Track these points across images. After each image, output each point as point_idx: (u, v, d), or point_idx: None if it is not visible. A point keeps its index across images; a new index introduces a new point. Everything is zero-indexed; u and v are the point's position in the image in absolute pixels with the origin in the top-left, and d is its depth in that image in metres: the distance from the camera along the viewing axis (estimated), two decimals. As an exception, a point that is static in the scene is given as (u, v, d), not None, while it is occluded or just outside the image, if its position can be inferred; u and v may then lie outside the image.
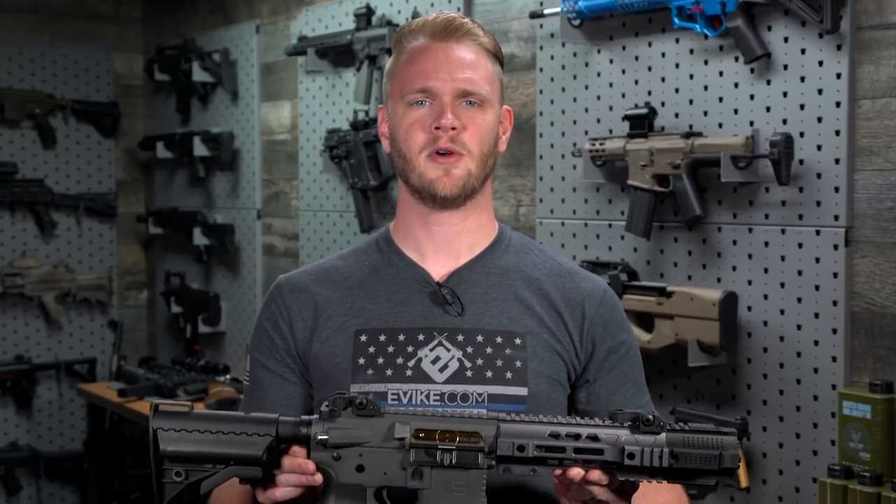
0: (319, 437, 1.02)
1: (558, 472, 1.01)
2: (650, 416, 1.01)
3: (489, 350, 1.16)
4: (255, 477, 1.02)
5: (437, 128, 1.14)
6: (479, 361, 1.15)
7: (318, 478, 1.02)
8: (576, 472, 1.00)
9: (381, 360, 1.16)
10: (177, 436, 1.01)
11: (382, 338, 1.16)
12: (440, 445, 1.01)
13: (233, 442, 1.01)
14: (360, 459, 1.02)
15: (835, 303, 1.81)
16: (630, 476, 1.01)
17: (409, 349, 1.15)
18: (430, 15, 1.21)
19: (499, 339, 1.17)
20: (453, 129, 1.14)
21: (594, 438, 1.01)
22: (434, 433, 1.02)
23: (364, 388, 1.16)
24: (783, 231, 1.89)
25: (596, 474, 1.00)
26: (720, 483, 1.02)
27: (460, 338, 1.16)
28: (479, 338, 1.16)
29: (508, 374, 1.16)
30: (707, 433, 1.01)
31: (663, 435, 1.00)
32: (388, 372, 1.16)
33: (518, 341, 1.17)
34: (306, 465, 1.01)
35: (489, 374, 1.16)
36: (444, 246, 1.20)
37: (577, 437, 1.01)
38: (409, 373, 1.15)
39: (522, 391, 1.16)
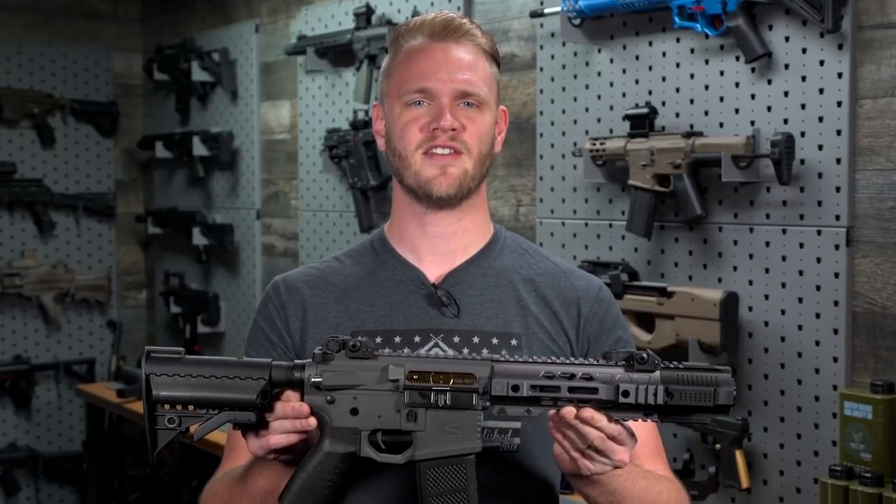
0: (313, 380, 1.02)
1: (552, 413, 1.01)
2: (644, 355, 1.01)
3: (485, 351, 1.16)
4: (248, 422, 1.01)
5: (435, 128, 1.14)
6: None
7: (312, 421, 1.01)
8: (568, 411, 0.99)
9: None
10: (169, 381, 1.01)
11: (378, 340, 1.16)
12: (434, 387, 1.01)
13: (226, 386, 1.00)
14: (355, 402, 1.02)
15: (836, 303, 1.81)
16: (625, 414, 1.01)
17: (406, 351, 1.15)
18: (428, 15, 1.20)
19: (495, 341, 1.16)
20: (452, 129, 1.14)
21: (589, 378, 1.00)
22: (428, 375, 1.01)
23: None
24: (784, 231, 1.89)
25: (588, 412, 0.99)
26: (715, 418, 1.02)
27: (456, 339, 1.16)
28: (476, 339, 1.16)
29: None
30: (702, 370, 1.01)
31: (658, 372, 1.00)
32: None
33: (514, 342, 1.17)
34: (300, 407, 1.01)
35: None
36: (439, 247, 1.19)
37: (571, 376, 1.00)
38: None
39: None
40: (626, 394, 1.00)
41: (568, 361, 1.02)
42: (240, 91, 3.46)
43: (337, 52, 2.92)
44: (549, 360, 1.02)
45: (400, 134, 1.16)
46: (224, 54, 3.48)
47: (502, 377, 1.01)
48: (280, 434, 1.01)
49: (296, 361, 1.04)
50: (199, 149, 3.51)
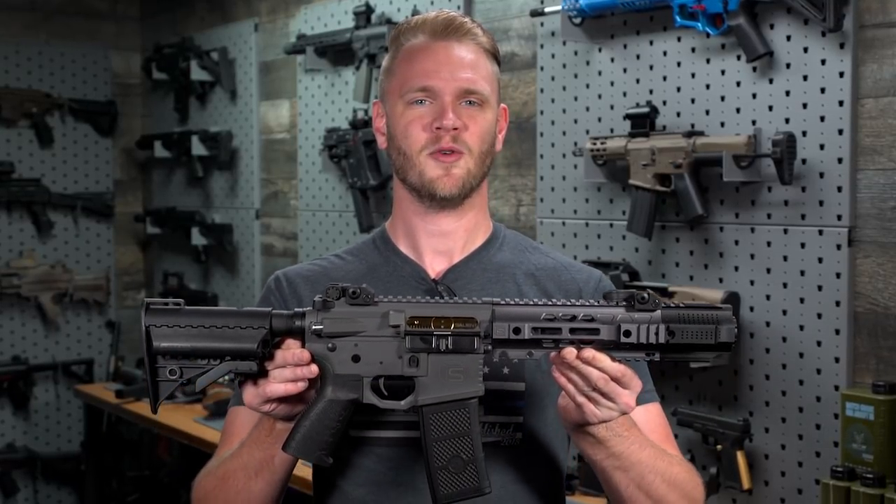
0: (314, 327, 1.01)
1: (554, 354, 1.00)
2: (645, 295, 1.00)
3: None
4: (250, 372, 1.01)
5: (438, 128, 1.14)
6: None
7: (314, 368, 1.01)
8: (569, 351, 0.99)
9: None
10: (170, 331, 1.00)
11: None
12: (436, 331, 1.01)
13: (226, 336, 1.00)
14: (356, 349, 1.02)
15: (837, 303, 1.80)
16: (627, 354, 1.00)
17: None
18: (429, 13, 1.20)
19: None
20: (455, 129, 1.14)
21: (590, 319, 1.00)
22: (429, 320, 1.01)
23: None
24: (785, 231, 1.88)
25: (589, 352, 0.99)
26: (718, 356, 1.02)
27: None
28: None
29: (506, 370, 1.16)
30: (703, 309, 1.00)
31: (659, 311, 1.00)
32: None
33: None
34: (301, 353, 1.00)
35: (486, 370, 1.14)
36: (440, 244, 1.20)
37: (572, 318, 1.00)
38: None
39: (520, 386, 1.16)
40: (627, 333, 0.99)
41: (569, 303, 1.02)
42: (239, 90, 3.45)
43: (336, 52, 2.91)
44: (551, 303, 1.02)
45: (403, 133, 1.16)
46: (223, 53, 3.47)
47: (503, 320, 1.01)
48: (279, 383, 1.01)
49: (296, 310, 1.04)
50: (197, 148, 3.50)
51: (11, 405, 3.79)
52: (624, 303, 1.01)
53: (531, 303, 1.02)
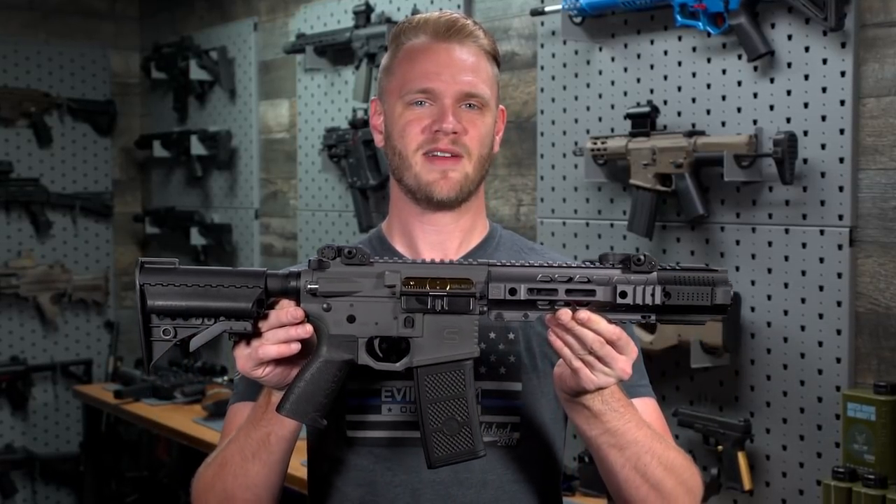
0: (309, 287, 1.01)
1: (549, 316, 1.00)
2: (641, 256, 1.00)
3: (482, 346, 1.15)
4: (244, 332, 1.00)
5: (437, 130, 1.13)
6: None
7: (308, 328, 1.00)
8: (564, 312, 0.98)
9: None
10: (164, 290, 0.99)
11: None
12: (431, 292, 1.00)
13: (221, 295, 0.99)
14: (351, 310, 1.01)
15: (839, 303, 1.80)
16: (623, 316, 1.00)
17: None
18: (431, 14, 1.19)
19: (492, 335, 1.16)
20: (454, 132, 1.14)
21: (586, 280, 0.99)
22: (425, 280, 1.01)
23: (358, 386, 1.15)
24: (787, 231, 1.88)
25: (585, 313, 0.98)
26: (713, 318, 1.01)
27: None
28: None
29: (502, 370, 1.16)
30: (699, 270, 1.00)
31: (654, 273, 0.99)
32: None
33: (512, 336, 1.17)
34: (295, 311, 1.00)
35: (483, 369, 1.15)
36: (436, 245, 1.19)
37: (569, 279, 0.99)
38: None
39: (517, 386, 1.15)
40: (623, 294, 0.99)
41: (565, 265, 1.01)
42: (238, 90, 3.44)
43: (336, 51, 2.91)
44: (547, 265, 1.01)
45: (401, 133, 1.15)
46: (222, 53, 3.46)
47: (499, 281, 1.00)
48: (273, 344, 1.00)
49: (291, 269, 1.03)
50: (197, 148, 3.50)
51: (10, 406, 3.78)
52: (620, 264, 1.00)
53: (527, 264, 1.02)
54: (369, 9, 2.75)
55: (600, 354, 0.99)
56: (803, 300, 1.85)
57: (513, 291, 0.99)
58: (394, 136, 1.17)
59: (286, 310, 1.00)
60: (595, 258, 2.31)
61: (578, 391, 1.02)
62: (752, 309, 1.93)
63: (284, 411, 1.01)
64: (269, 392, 1.06)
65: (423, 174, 1.14)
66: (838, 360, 1.80)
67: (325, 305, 1.01)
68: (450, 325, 1.01)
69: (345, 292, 1.01)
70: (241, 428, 1.10)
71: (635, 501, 1.08)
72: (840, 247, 1.79)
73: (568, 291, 0.99)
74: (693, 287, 0.99)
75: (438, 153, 1.14)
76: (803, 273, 1.85)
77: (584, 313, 0.98)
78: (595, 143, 2.12)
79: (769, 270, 1.91)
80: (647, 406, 1.16)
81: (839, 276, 1.79)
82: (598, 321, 0.98)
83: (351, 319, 1.01)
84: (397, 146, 1.16)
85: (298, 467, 1.34)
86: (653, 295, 0.98)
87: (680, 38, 2.04)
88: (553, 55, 2.30)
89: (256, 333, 1.00)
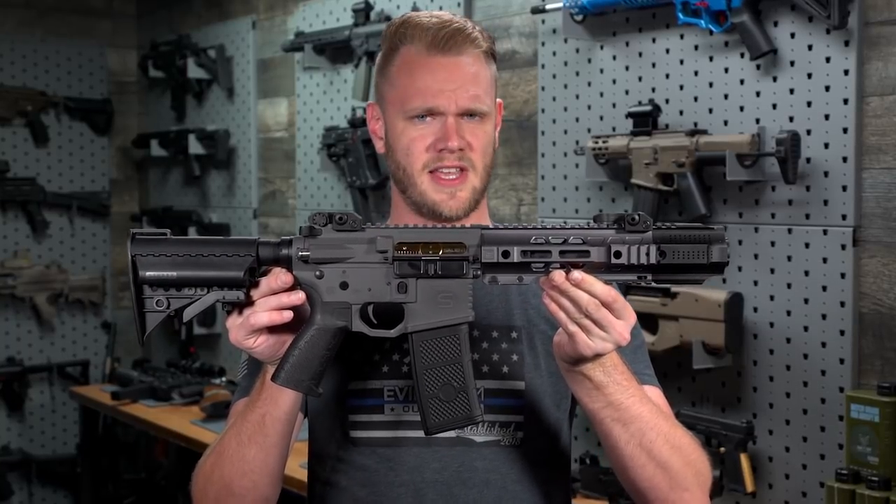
0: (301, 254, 1.00)
1: (543, 279, 0.99)
2: (636, 216, 0.99)
3: (485, 345, 1.15)
4: (237, 301, 0.99)
5: (441, 149, 1.13)
6: (476, 356, 1.14)
7: (300, 295, 1.00)
8: (557, 274, 0.97)
9: (376, 357, 1.15)
10: (156, 260, 0.99)
11: None
12: (424, 256, 1.00)
13: (213, 264, 0.99)
14: (344, 276, 1.01)
15: (842, 304, 1.78)
16: (619, 276, 0.99)
17: (405, 346, 1.13)
18: (423, 16, 1.16)
19: (495, 334, 1.16)
20: (460, 149, 1.13)
21: (580, 241, 0.99)
22: (417, 245, 1.00)
23: (360, 386, 1.14)
24: (790, 231, 1.86)
25: (578, 274, 0.97)
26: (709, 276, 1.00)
27: None
28: (475, 333, 1.15)
29: (505, 369, 1.15)
30: (694, 229, 0.99)
31: (650, 232, 0.98)
32: (384, 369, 1.15)
33: (514, 335, 1.16)
34: (286, 277, 0.99)
35: (485, 368, 1.14)
36: None
37: (563, 241, 0.99)
38: (404, 369, 1.14)
39: (520, 385, 1.15)
40: (618, 254, 0.98)
41: (559, 227, 1.01)
42: (236, 88, 3.43)
43: (335, 49, 2.89)
44: (540, 227, 1.01)
45: (405, 151, 1.15)
46: (220, 51, 3.45)
47: (492, 244, 0.99)
48: (264, 311, 0.99)
49: (282, 237, 1.02)
50: (194, 147, 3.48)
51: (6, 407, 3.76)
52: (614, 225, 0.99)
53: (520, 226, 1.01)
54: (368, 7, 2.74)
55: (596, 317, 0.97)
56: (806, 300, 1.84)
57: (506, 254, 0.99)
58: (397, 152, 1.16)
59: (276, 276, 0.99)
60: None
61: (577, 358, 1.00)
62: (755, 309, 1.92)
63: (279, 380, 1.00)
64: (264, 372, 1.06)
65: (430, 193, 1.14)
66: (842, 361, 1.79)
67: (317, 272, 1.00)
68: (444, 289, 1.00)
69: (337, 259, 1.00)
70: (238, 414, 1.10)
71: (642, 482, 1.06)
72: (843, 247, 1.78)
73: (562, 253, 0.98)
74: (689, 245, 0.98)
75: (444, 170, 1.13)
76: (806, 273, 1.84)
77: (577, 274, 0.97)
78: (596, 142, 2.11)
79: (772, 270, 1.90)
80: (652, 394, 1.14)
81: (842, 276, 1.78)
82: (593, 282, 0.97)
83: (344, 286, 1.00)
84: (401, 163, 1.15)
85: (297, 469, 1.33)
86: (647, 254, 0.98)
87: (682, 37, 2.03)
88: (554, 53, 2.29)
89: (249, 302, 1.00)
